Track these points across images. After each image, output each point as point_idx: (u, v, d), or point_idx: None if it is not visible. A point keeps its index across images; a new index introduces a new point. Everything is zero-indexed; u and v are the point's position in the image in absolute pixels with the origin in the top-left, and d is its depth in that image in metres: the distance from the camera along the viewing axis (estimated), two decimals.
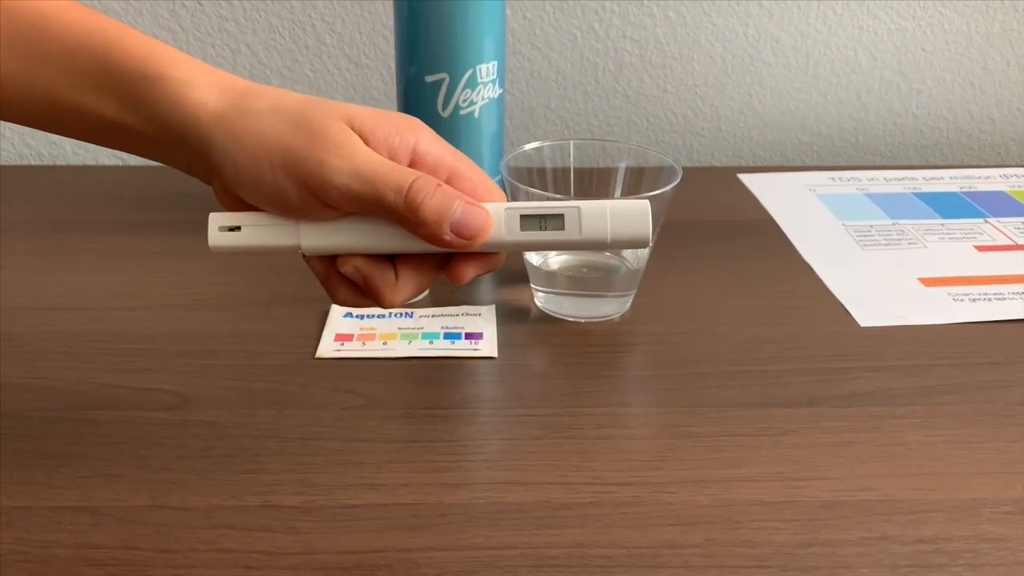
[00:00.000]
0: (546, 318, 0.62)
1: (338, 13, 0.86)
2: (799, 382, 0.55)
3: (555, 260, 0.64)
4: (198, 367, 0.56)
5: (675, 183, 0.59)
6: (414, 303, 0.63)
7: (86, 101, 0.39)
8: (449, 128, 0.68)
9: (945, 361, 0.58)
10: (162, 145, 0.40)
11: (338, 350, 0.58)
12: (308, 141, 0.37)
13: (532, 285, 0.64)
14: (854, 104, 0.93)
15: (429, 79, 0.67)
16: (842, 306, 0.64)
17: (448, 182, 0.39)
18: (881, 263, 0.71)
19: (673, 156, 0.91)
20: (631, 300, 0.63)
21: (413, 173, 0.38)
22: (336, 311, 0.62)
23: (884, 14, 0.89)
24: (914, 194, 0.84)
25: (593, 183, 0.65)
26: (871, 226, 0.77)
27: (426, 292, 0.58)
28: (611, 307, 0.63)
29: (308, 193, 0.38)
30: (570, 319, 0.62)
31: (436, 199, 0.37)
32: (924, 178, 0.87)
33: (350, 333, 0.60)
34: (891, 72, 0.92)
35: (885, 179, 0.87)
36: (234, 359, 0.57)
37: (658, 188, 0.59)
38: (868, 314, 0.63)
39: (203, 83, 0.39)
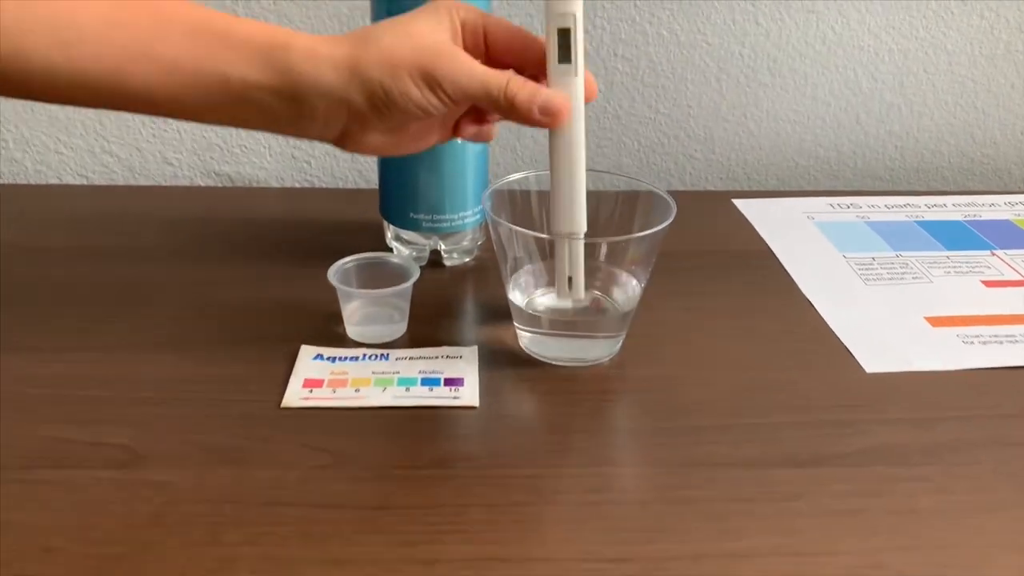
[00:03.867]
0: (531, 361, 0.58)
1: (314, 27, 0.82)
2: (802, 436, 0.51)
3: (541, 300, 0.60)
4: (153, 417, 0.51)
5: (668, 221, 0.55)
6: (392, 343, 0.59)
7: (245, 74, 0.45)
8: (431, 151, 0.64)
9: (956, 412, 0.54)
10: (304, 104, 0.47)
11: (306, 398, 0.54)
12: (427, 52, 0.47)
13: (516, 325, 0.59)
14: (853, 127, 0.89)
15: None
16: (846, 349, 0.61)
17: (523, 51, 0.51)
18: (885, 300, 0.67)
19: (665, 181, 0.88)
20: (621, 342, 0.59)
21: (507, 74, 0.48)
22: (306, 352, 0.57)
23: (885, 34, 0.85)
24: (916, 223, 0.80)
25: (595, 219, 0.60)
26: (873, 258, 0.73)
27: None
28: (599, 350, 0.59)
29: (439, 91, 0.47)
30: (556, 363, 0.58)
31: (526, 92, 0.48)
32: (926, 205, 0.84)
33: (320, 378, 0.55)
34: (892, 94, 0.88)
35: (886, 206, 0.83)
36: (193, 408, 0.52)
37: (651, 222, 0.55)
38: (874, 359, 0.59)
39: (319, 42, 0.47)
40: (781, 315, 0.65)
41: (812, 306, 0.66)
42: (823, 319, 0.64)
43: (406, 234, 0.69)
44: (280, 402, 0.53)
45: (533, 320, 0.58)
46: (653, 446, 0.51)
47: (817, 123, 0.89)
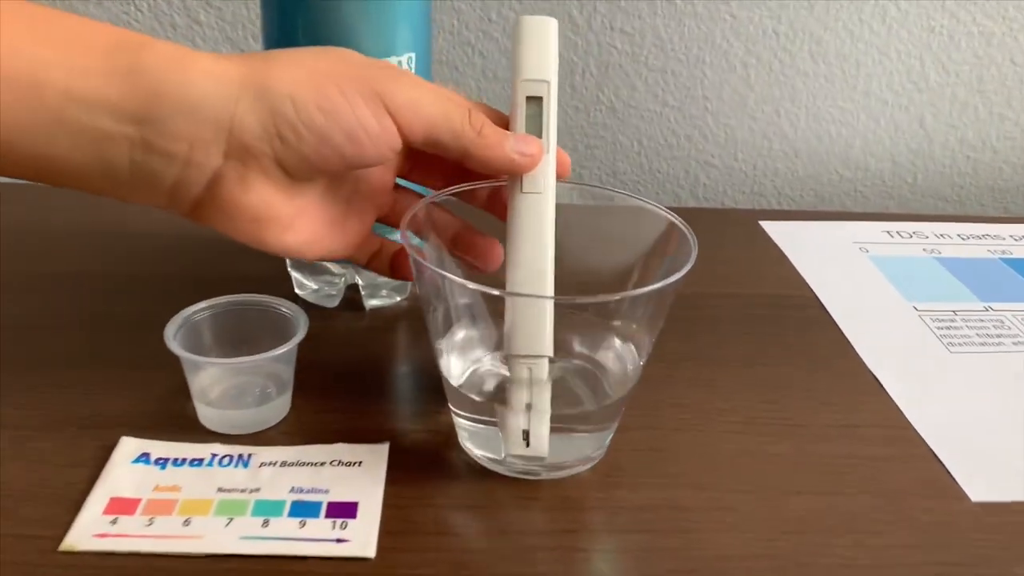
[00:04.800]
0: (473, 470, 0.39)
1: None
2: None
3: (489, 366, 0.40)
4: None
5: (686, 268, 0.36)
6: (263, 433, 0.39)
7: (71, 80, 0.31)
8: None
9: None
10: (156, 127, 0.32)
11: (103, 535, 0.34)
12: (366, 68, 0.35)
13: (452, 409, 0.40)
14: (915, 131, 0.69)
15: None
16: (934, 457, 0.41)
17: None
18: (980, 379, 0.47)
19: (672, 194, 0.68)
20: (609, 439, 0.40)
21: (466, 103, 0.37)
22: (125, 449, 0.38)
23: (964, 12, 0.65)
24: (1003, 260, 0.61)
25: (559, 254, 0.40)
26: (955, 313, 0.54)
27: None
28: (577, 451, 0.39)
29: (383, 114, 0.34)
30: (512, 474, 0.38)
31: (492, 125, 0.37)
32: (1012, 237, 0.64)
33: (135, 497, 0.36)
34: (967, 91, 0.68)
35: (960, 237, 0.64)
36: None
37: (658, 265, 0.36)
38: (979, 481, 0.40)
39: (194, 54, 0.33)
40: (834, 399, 0.45)
41: (881, 387, 0.46)
42: (896, 406, 0.45)
43: (312, 265, 0.49)
44: (59, 542, 0.33)
45: (477, 406, 0.39)
46: None
47: (869, 125, 0.69)
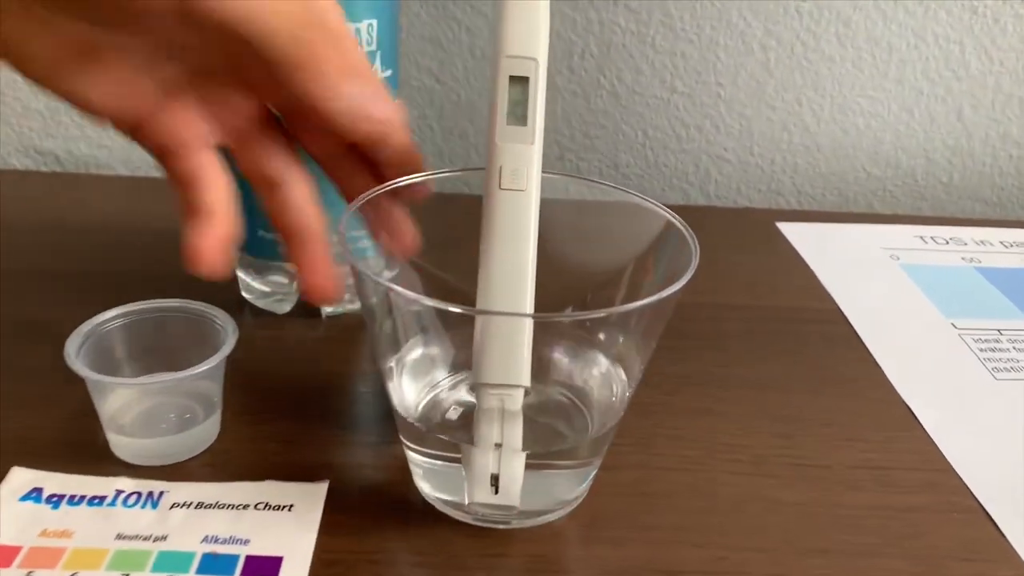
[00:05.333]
0: (425, 515, 0.32)
1: None
2: None
3: (449, 392, 0.34)
4: None
5: (685, 278, 0.29)
6: (183, 466, 0.33)
7: None
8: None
9: None
10: None
11: None
12: None
13: (404, 442, 0.33)
14: (952, 125, 0.62)
15: None
16: (980, 508, 0.34)
17: None
18: None
19: (680, 190, 0.61)
20: (590, 481, 0.33)
21: None
22: (13, 483, 0.32)
23: None
24: None
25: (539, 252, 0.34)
26: (1000, 332, 0.47)
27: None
28: (553, 491, 0.33)
29: None
30: (474, 523, 0.32)
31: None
32: None
33: (15, 545, 0.30)
34: (1012, 81, 0.61)
35: (1003, 244, 0.57)
36: None
37: (653, 274, 0.30)
38: None
39: None
40: (863, 435, 0.38)
41: (914, 419, 0.40)
42: (935, 445, 0.38)
43: (261, 263, 0.43)
44: None
45: (435, 441, 0.32)
46: None
47: (902, 117, 0.62)
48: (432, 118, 0.61)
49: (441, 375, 0.35)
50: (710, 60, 0.60)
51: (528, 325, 0.30)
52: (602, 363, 0.35)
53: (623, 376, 0.34)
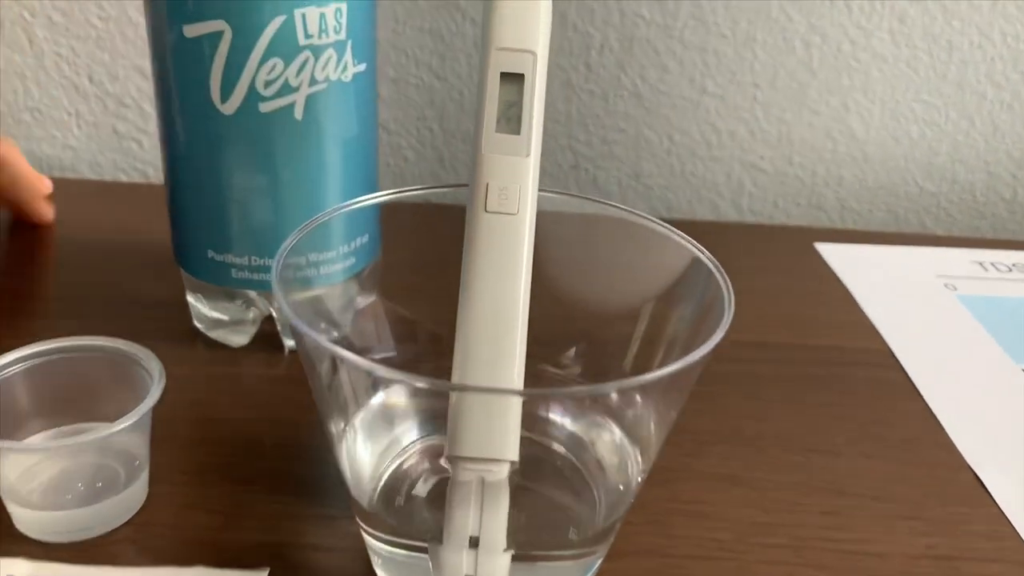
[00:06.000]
0: None
1: None
2: None
3: (416, 459, 0.27)
4: None
5: (716, 338, 0.23)
6: (104, 539, 0.27)
7: None
8: (237, 141, 0.32)
9: None
10: None
11: None
12: None
13: (360, 523, 0.27)
14: (1018, 134, 0.55)
15: (190, 32, 0.31)
16: None
17: None
18: None
19: (710, 203, 0.55)
20: (594, 570, 0.27)
21: None
22: None
23: None
24: None
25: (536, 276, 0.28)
26: None
27: None
28: None
29: None
30: None
31: None
32: None
33: None
34: None
35: None
36: None
37: (682, 329, 0.24)
38: None
39: None
40: (924, 513, 0.32)
41: (985, 491, 0.33)
42: (1012, 528, 0.31)
43: (212, 288, 0.37)
44: None
45: (397, 525, 0.26)
46: None
47: (961, 125, 0.55)
48: (432, 119, 0.55)
49: (409, 436, 0.29)
50: (746, 58, 0.53)
51: (519, 380, 0.24)
52: (612, 429, 0.29)
53: (637, 456, 0.27)
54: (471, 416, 0.24)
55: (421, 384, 0.21)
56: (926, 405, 0.38)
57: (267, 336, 0.38)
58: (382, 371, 0.22)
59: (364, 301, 0.37)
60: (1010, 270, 0.50)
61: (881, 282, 0.48)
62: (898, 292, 0.47)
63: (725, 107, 0.54)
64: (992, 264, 0.50)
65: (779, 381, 0.39)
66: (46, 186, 0.46)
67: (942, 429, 0.36)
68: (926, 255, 0.51)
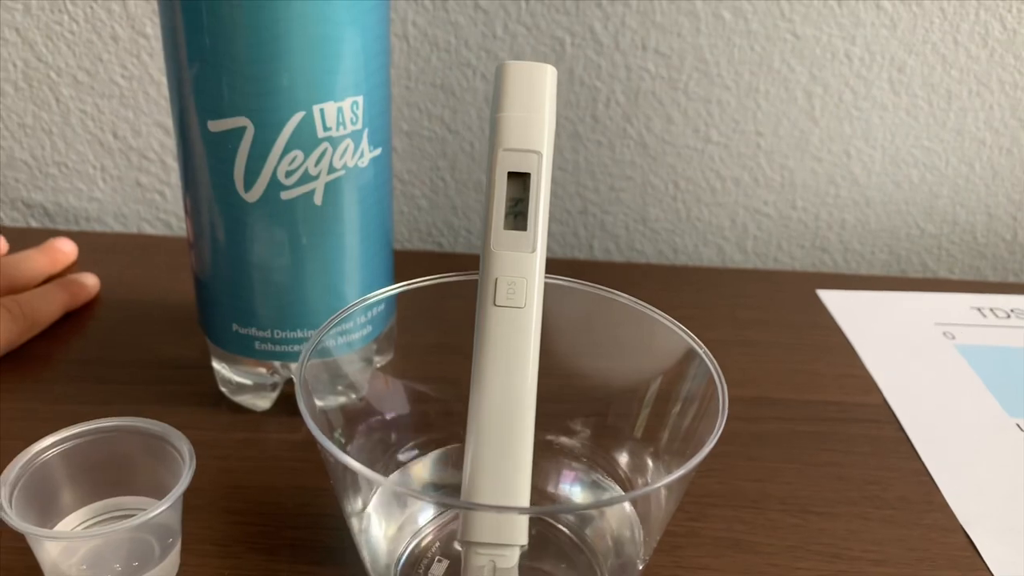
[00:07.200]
0: None
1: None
2: None
3: (435, 536, 0.29)
4: None
5: (708, 445, 0.24)
6: None
7: None
8: (260, 226, 0.34)
9: None
10: None
11: None
12: None
13: None
14: (1018, 178, 0.57)
15: (215, 127, 0.33)
16: None
17: None
18: None
19: (715, 247, 0.56)
20: None
21: None
22: None
23: None
24: None
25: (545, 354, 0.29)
26: None
27: None
28: None
29: None
30: None
31: None
32: None
33: None
34: None
35: None
36: None
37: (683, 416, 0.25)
38: None
39: None
40: (920, 574, 0.33)
41: (977, 555, 0.34)
42: None
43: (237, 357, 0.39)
44: None
45: None
46: None
47: (961, 170, 0.56)
48: (445, 169, 0.56)
49: (425, 517, 0.30)
50: (749, 108, 0.54)
51: (527, 470, 0.26)
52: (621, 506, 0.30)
53: (640, 534, 0.29)
54: (484, 500, 0.26)
55: (427, 500, 0.23)
56: (922, 463, 0.39)
57: (289, 399, 0.39)
58: (389, 483, 0.23)
59: (382, 360, 0.39)
60: (1008, 316, 0.51)
61: (881, 332, 0.49)
62: (898, 343, 0.48)
63: (729, 155, 0.56)
64: (991, 310, 0.52)
65: (781, 439, 0.40)
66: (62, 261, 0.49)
67: (937, 489, 0.38)
68: (925, 302, 0.52)
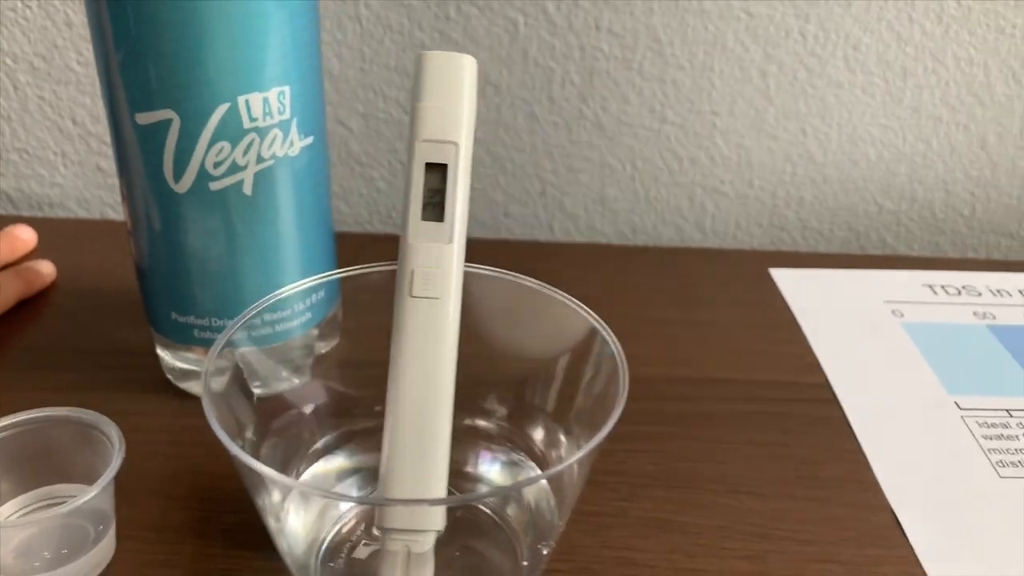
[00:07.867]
0: None
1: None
2: None
3: (360, 519, 0.30)
4: None
5: (609, 425, 0.25)
6: None
7: None
8: (192, 216, 0.34)
9: None
10: None
11: None
12: None
13: None
14: (975, 154, 0.57)
15: (142, 119, 0.33)
16: None
17: None
18: None
19: (674, 226, 0.56)
20: None
21: None
22: None
23: None
24: None
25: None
26: (1009, 414, 0.42)
27: None
28: None
29: None
30: None
31: None
32: None
33: None
34: None
35: (1022, 293, 0.51)
36: None
37: (591, 392, 0.26)
38: None
39: None
40: (843, 556, 0.34)
41: (903, 535, 0.35)
42: (923, 570, 0.33)
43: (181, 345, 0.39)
44: None
45: None
46: None
47: (918, 147, 0.56)
48: (402, 151, 0.56)
49: (346, 503, 0.31)
50: (704, 88, 0.55)
51: (444, 459, 0.27)
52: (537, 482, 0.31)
53: (554, 506, 0.30)
54: (400, 490, 0.27)
55: (346, 503, 0.24)
56: (857, 443, 0.40)
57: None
58: (303, 487, 0.24)
59: (325, 347, 0.40)
60: (959, 292, 0.51)
61: (829, 310, 0.49)
62: (845, 321, 0.48)
63: (685, 135, 0.56)
64: (942, 287, 0.52)
65: (721, 420, 0.41)
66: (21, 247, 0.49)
67: (869, 468, 0.38)
68: (876, 279, 0.53)
